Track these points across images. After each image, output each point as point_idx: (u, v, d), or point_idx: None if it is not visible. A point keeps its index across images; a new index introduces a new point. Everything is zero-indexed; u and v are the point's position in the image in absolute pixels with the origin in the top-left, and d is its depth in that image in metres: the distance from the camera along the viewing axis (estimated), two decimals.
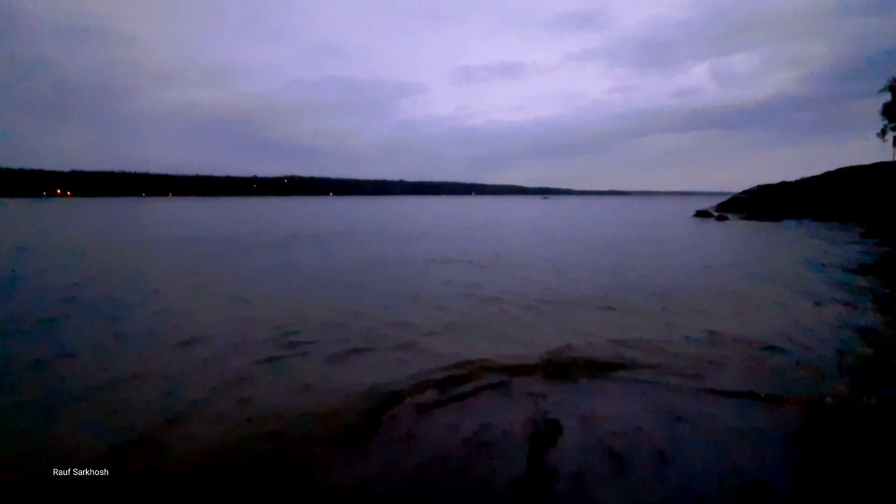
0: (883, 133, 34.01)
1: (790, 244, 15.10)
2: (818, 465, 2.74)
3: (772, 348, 4.75)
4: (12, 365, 4.37)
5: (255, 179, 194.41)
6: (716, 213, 31.03)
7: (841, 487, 2.53)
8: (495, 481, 2.58)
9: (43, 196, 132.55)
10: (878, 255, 12.20)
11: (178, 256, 12.44)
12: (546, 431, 3.12)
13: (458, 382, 3.93)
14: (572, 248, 14.40)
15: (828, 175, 31.60)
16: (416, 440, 3.04)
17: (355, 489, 2.54)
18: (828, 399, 3.57)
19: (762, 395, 3.65)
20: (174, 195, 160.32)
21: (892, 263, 10.88)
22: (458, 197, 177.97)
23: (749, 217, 27.84)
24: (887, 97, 34.13)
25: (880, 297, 7.22)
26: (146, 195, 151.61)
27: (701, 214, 31.03)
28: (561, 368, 4.24)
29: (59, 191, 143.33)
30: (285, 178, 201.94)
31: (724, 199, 38.15)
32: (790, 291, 7.61)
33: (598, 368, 4.26)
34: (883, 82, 34.31)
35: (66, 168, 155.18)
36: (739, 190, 37.80)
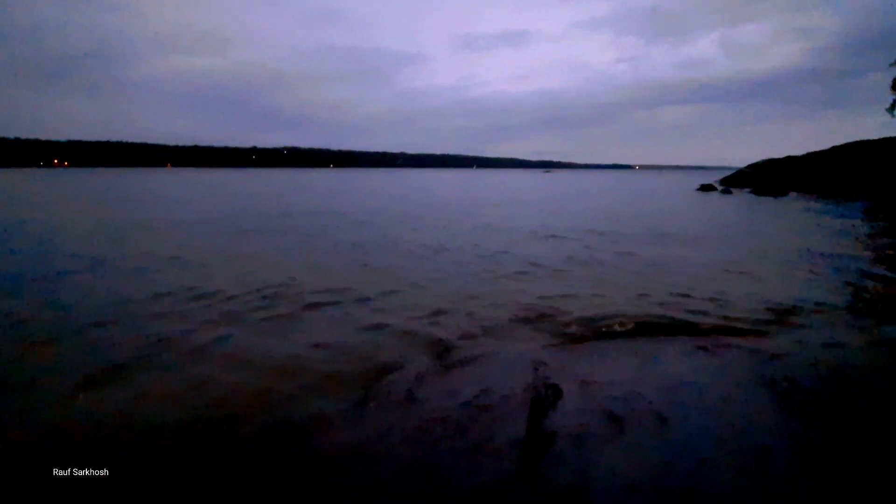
0: (892, 108, 33.15)
1: (790, 219, 14.98)
2: (818, 429, 2.74)
3: (772, 312, 4.73)
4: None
5: (254, 150, 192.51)
6: (720, 188, 30.83)
7: (841, 453, 2.53)
8: (494, 441, 2.58)
9: (40, 166, 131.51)
10: (878, 229, 12.13)
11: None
12: (546, 396, 3.12)
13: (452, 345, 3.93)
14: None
15: (834, 150, 31.08)
16: (416, 403, 3.06)
17: (354, 448, 2.55)
18: (829, 363, 3.57)
19: (762, 356, 3.64)
20: (172, 166, 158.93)
21: (890, 238, 10.82)
22: (460, 170, 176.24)
23: (754, 192, 27.61)
24: None
25: (868, 269, 7.18)
26: (144, 166, 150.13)
27: (705, 188, 30.91)
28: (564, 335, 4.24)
29: (56, 161, 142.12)
30: (285, 149, 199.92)
31: (729, 173, 37.76)
32: (786, 262, 7.56)
33: (599, 335, 4.26)
34: (894, 56, 33.24)
35: (62, 137, 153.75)
36: (746, 164, 37.35)
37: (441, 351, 3.89)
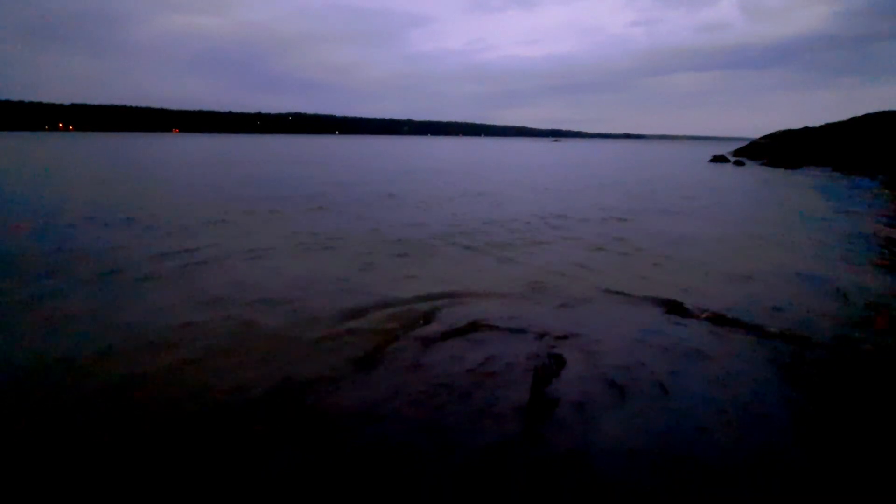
0: None
1: (801, 192, 14.71)
2: (815, 400, 2.79)
3: (774, 286, 4.73)
4: None
5: (259, 116, 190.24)
6: (733, 159, 30.24)
7: (836, 422, 2.58)
8: (498, 406, 2.66)
9: (45, 130, 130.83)
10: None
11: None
12: (550, 364, 3.18)
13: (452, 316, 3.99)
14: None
15: (853, 121, 30.12)
16: (421, 369, 3.12)
17: (361, 410, 2.63)
18: (825, 336, 3.59)
19: (764, 330, 3.66)
20: (178, 131, 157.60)
21: None
22: (468, 139, 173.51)
23: (768, 163, 27.04)
24: None
25: (868, 250, 7.09)
26: (150, 130, 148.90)
27: (717, 159, 30.37)
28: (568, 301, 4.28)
29: (60, 125, 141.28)
30: (290, 115, 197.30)
31: (743, 144, 36.92)
32: (794, 239, 7.49)
33: (599, 302, 4.29)
34: None
35: (66, 101, 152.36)
36: (762, 135, 36.40)
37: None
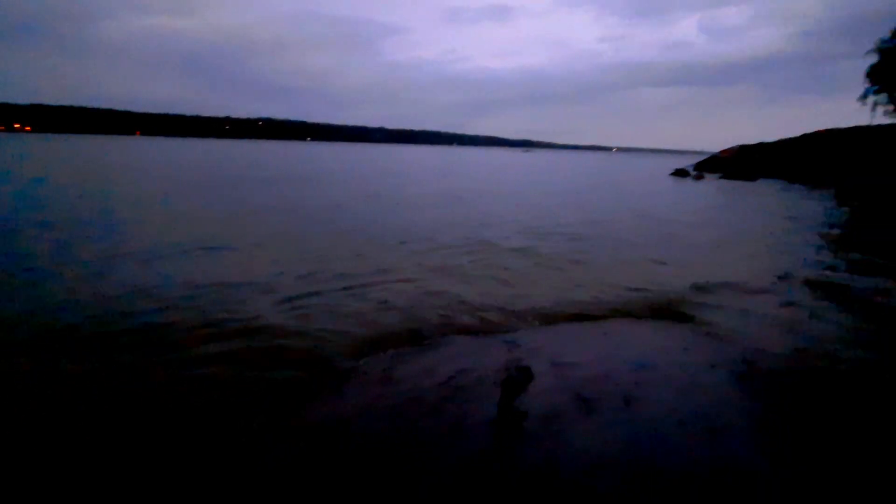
0: (865, 96, 34.00)
1: (759, 202, 15.49)
2: (774, 409, 2.93)
3: (732, 293, 4.95)
4: None
5: (227, 120, 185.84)
6: (693, 173, 31.40)
7: (795, 430, 2.72)
8: (469, 421, 2.68)
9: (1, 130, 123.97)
10: (840, 212, 12.72)
11: None
12: (518, 377, 3.23)
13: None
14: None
15: (805, 137, 31.98)
16: (392, 383, 3.12)
17: (331, 427, 2.61)
18: (785, 344, 3.78)
19: (723, 338, 3.84)
20: (142, 134, 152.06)
21: (852, 221, 11.37)
22: (441, 148, 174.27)
23: (726, 176, 28.28)
24: (874, 59, 33.88)
25: (821, 254, 7.54)
26: (111, 133, 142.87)
27: (679, 173, 31.37)
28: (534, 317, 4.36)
29: (17, 125, 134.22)
30: (260, 120, 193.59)
31: (704, 157, 38.56)
32: (745, 249, 7.88)
33: (568, 317, 4.40)
34: (871, 43, 33.89)
35: (25, 101, 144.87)
36: (722, 148, 38.10)
37: None
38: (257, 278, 5.32)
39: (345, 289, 5.07)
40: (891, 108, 33.28)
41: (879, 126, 29.77)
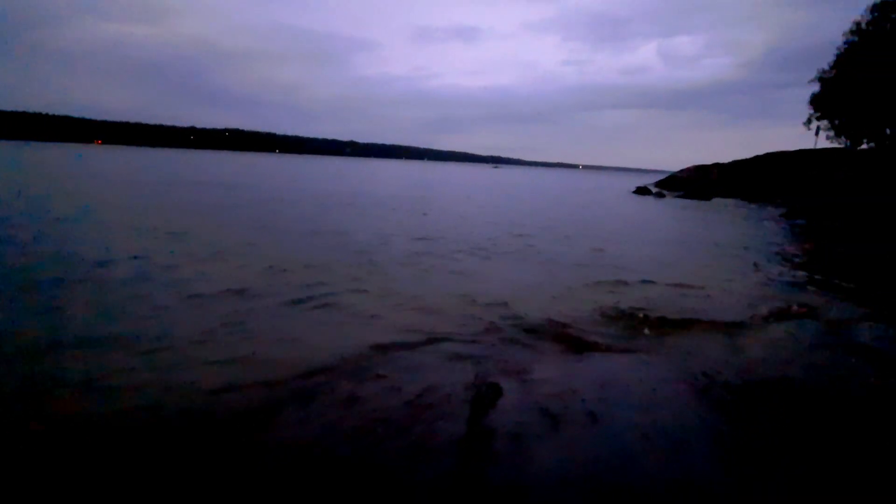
0: (809, 122, 36.52)
1: (719, 222, 16.23)
2: (733, 424, 3.02)
3: (691, 311, 5.12)
4: None
5: (192, 130, 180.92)
6: (654, 191, 32.54)
7: (752, 442, 2.81)
8: (436, 440, 2.64)
9: None
10: (788, 229, 13.54)
11: None
12: (487, 394, 3.22)
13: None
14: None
15: (756, 159, 33.91)
16: (358, 402, 3.05)
17: (295, 449, 2.52)
18: (741, 359, 3.92)
19: (684, 353, 3.95)
20: (101, 142, 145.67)
21: (802, 235, 12.08)
22: (411, 162, 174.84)
23: (685, 195, 29.44)
24: (815, 88, 36.44)
25: (775, 267, 7.95)
26: (69, 141, 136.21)
27: (640, 191, 32.34)
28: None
29: None
30: (226, 130, 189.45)
31: (664, 176, 40.24)
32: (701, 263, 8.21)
33: (536, 332, 4.44)
34: (813, 73, 36.48)
35: None
36: (680, 168, 39.87)
37: None
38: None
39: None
40: (832, 133, 35.94)
41: (823, 150, 32.08)
